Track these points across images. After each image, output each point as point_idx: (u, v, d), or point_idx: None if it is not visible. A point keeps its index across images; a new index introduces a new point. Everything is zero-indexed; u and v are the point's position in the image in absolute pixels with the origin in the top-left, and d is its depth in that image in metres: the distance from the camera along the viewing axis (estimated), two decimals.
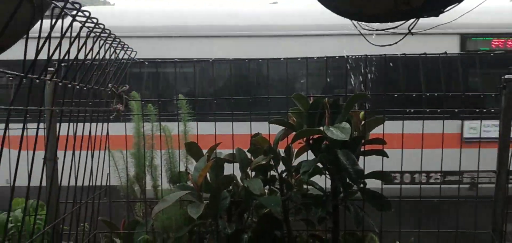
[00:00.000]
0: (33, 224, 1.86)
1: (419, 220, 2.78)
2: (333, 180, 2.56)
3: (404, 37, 1.97)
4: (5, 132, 1.26)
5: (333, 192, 2.59)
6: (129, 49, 2.39)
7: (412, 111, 3.59)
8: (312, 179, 2.57)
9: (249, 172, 2.70)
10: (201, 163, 2.66)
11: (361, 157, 2.53)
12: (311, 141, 2.58)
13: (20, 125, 1.39)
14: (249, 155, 2.72)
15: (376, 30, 2.02)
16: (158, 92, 4.51)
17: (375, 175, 2.53)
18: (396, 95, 3.03)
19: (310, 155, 2.60)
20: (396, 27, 1.96)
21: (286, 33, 5.37)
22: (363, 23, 2.04)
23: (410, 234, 3.01)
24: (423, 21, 1.91)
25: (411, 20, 1.94)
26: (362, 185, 2.51)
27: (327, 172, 2.60)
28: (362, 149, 2.57)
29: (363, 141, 2.55)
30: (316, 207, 2.59)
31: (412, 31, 1.95)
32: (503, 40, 5.40)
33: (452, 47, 5.29)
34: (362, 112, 2.63)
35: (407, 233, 2.97)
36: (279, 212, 2.66)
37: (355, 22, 2.01)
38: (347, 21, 2.06)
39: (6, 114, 1.27)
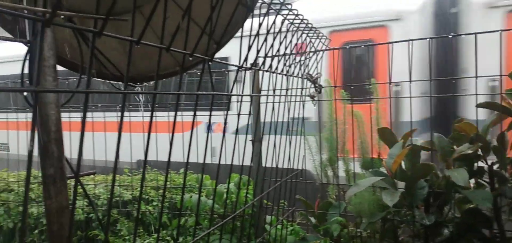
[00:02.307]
0: (245, 196, 2.16)
1: None
2: None
3: None
4: (226, 116, 1.51)
5: None
6: (323, 37, 2.49)
7: None
8: None
9: (451, 162, 2.46)
10: (395, 150, 2.57)
11: None
12: None
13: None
14: (450, 143, 2.48)
15: None
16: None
17: None
18: None
19: None
20: None
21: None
22: None
23: None
24: None
25: None
26: None
27: None
28: None
29: None
30: None
31: None
32: None
33: None
34: None
35: None
36: (488, 209, 2.35)
37: None
38: None
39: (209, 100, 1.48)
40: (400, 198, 2.35)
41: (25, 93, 1.29)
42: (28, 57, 1.21)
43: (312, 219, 3.14)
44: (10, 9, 0.71)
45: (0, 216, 4.50)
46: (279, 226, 2.78)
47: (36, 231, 4.17)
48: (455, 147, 2.46)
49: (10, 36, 1.62)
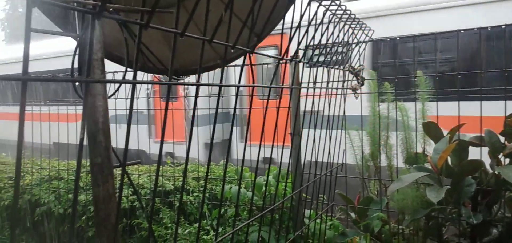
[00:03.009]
0: (284, 189, 2.15)
1: None
2: None
3: None
4: (266, 108, 1.50)
5: None
6: (366, 28, 2.43)
7: None
8: None
9: (502, 159, 2.34)
10: (441, 145, 2.47)
11: None
12: None
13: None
14: (502, 139, 2.35)
15: None
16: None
17: None
18: None
19: None
20: None
21: None
22: None
23: None
24: None
25: None
26: None
27: None
28: None
29: None
30: None
31: None
32: None
33: None
34: None
35: None
36: None
37: None
38: None
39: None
40: (446, 195, 2.26)
41: (76, 84, 1.35)
42: (77, 51, 1.26)
43: (352, 215, 3.09)
44: (61, 2, 0.74)
45: (51, 202, 4.76)
46: (318, 220, 2.76)
47: (84, 217, 4.38)
48: (506, 143, 2.33)
49: (61, 30, 1.70)
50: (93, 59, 1.21)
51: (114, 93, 1.46)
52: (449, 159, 2.45)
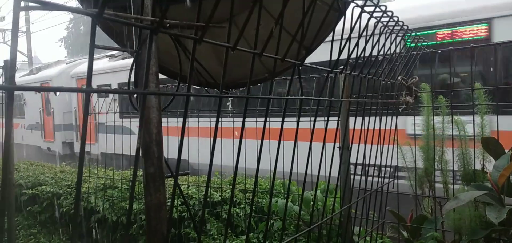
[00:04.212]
0: (332, 204, 2.11)
1: None
2: None
3: None
4: (315, 121, 1.49)
5: None
6: (420, 39, 2.34)
7: None
8: None
9: None
10: (502, 162, 2.32)
11: None
12: None
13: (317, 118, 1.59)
14: None
15: None
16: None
17: None
18: None
19: None
20: None
21: None
22: None
23: None
24: None
25: None
26: None
27: None
28: None
29: None
30: None
31: None
32: None
33: None
34: None
35: None
36: None
37: None
38: None
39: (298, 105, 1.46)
40: (508, 216, 2.11)
41: (134, 97, 1.41)
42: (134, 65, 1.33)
43: (404, 233, 2.96)
44: (122, 18, 0.78)
45: (106, 210, 4.98)
46: (367, 238, 2.67)
47: (135, 225, 4.54)
48: None
49: (118, 46, 1.80)
50: (148, 73, 1.26)
51: (167, 106, 1.51)
52: (511, 177, 2.29)
